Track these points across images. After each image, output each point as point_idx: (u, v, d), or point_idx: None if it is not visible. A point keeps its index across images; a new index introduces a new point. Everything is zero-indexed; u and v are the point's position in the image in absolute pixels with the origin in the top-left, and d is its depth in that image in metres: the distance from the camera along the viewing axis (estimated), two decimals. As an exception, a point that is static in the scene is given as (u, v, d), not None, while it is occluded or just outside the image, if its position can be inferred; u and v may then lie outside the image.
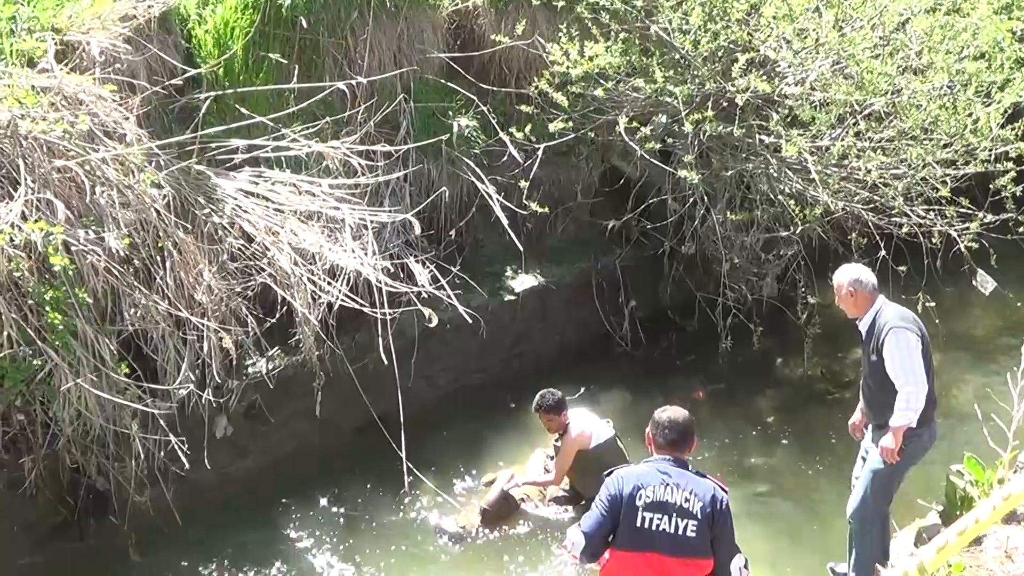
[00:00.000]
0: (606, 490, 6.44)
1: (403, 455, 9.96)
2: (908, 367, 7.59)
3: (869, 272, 8.04)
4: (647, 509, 6.25)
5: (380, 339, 10.33)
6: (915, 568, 5.13)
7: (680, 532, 6.21)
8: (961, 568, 7.09)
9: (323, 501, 10.54)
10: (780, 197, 12.19)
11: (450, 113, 11.98)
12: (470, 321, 10.90)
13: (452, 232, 11.93)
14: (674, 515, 6.22)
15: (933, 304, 12.17)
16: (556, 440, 10.24)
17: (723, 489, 6.45)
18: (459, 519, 10.17)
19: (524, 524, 10.15)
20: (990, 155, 12.02)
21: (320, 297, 10.25)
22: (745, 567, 6.45)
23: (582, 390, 12.01)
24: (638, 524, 6.24)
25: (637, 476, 6.38)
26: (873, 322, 7.84)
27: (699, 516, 6.23)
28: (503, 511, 10.20)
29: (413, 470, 10.09)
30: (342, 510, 10.47)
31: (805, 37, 12.09)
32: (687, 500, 6.25)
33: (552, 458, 10.48)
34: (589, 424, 10.07)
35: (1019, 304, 13.65)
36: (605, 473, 6.59)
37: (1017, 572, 7.03)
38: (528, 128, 11.59)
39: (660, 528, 6.22)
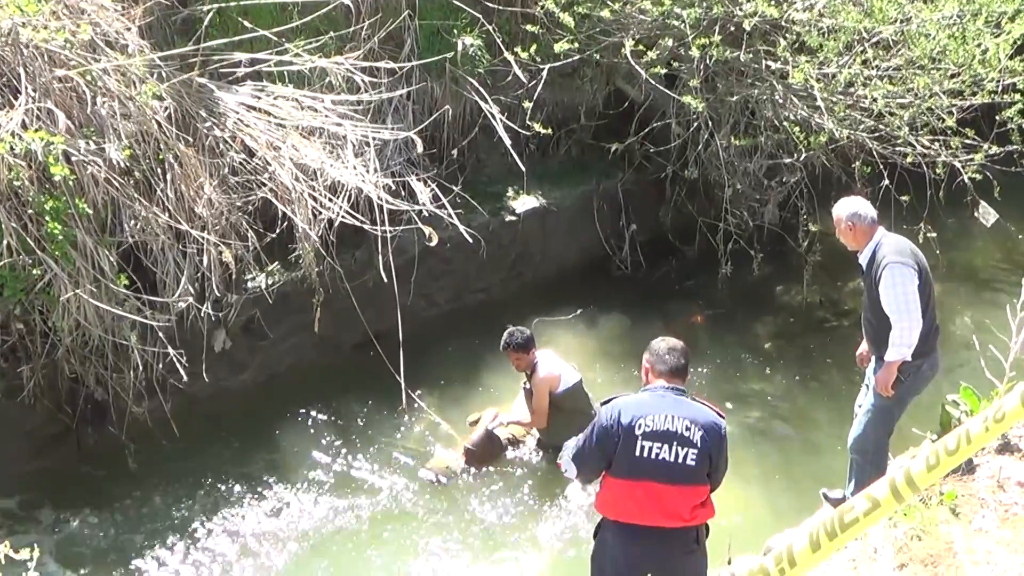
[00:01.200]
0: (599, 420, 6.37)
1: (401, 374, 10.01)
2: (902, 302, 7.56)
3: (868, 205, 7.97)
4: (646, 438, 6.19)
5: (380, 256, 10.33)
6: (903, 478, 5.12)
7: (680, 460, 6.17)
8: (953, 496, 7.15)
9: (320, 417, 10.59)
10: (785, 124, 12.12)
11: (455, 31, 11.85)
12: (470, 241, 10.89)
13: (454, 151, 11.87)
14: (675, 444, 6.18)
15: (934, 235, 12.16)
16: (524, 382, 10.08)
17: (720, 415, 6.45)
18: (443, 459, 10.05)
19: (509, 466, 10.05)
20: (997, 86, 11.93)
21: (321, 213, 10.22)
22: None
23: (578, 311, 12.03)
24: (636, 453, 6.19)
25: (635, 405, 6.32)
26: (873, 255, 7.79)
27: (699, 444, 6.19)
28: (488, 451, 10.04)
29: (411, 395, 10.15)
30: (339, 426, 10.53)
31: (815, -39, 11.97)
32: (687, 428, 6.20)
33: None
34: (557, 366, 9.86)
35: (1020, 236, 13.63)
36: (602, 402, 6.56)
37: (1009, 501, 7.08)
38: (533, 48, 11.47)
39: (660, 457, 6.17)
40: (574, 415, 9.44)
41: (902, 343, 7.57)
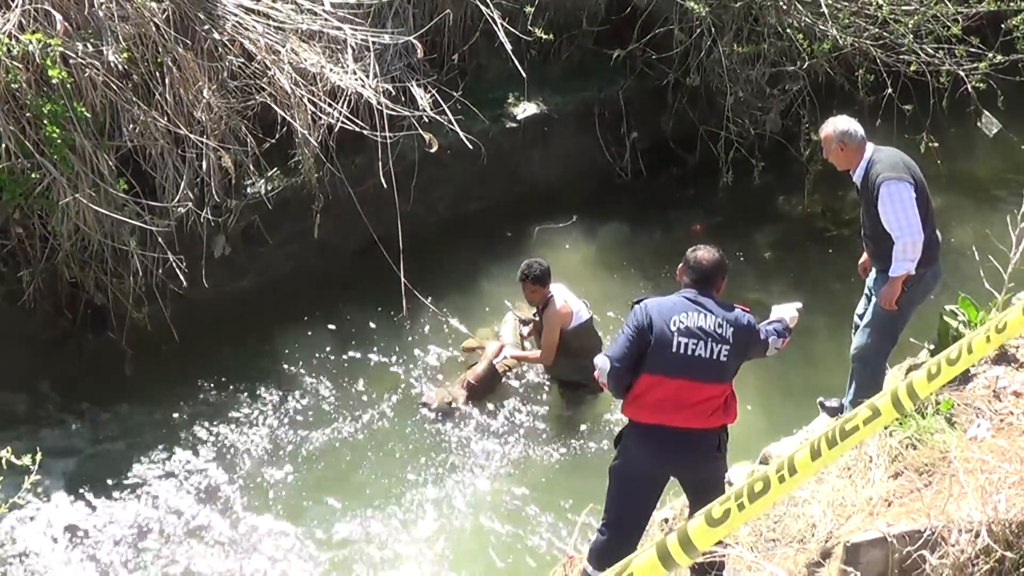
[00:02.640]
0: (633, 318, 6.46)
1: (401, 274, 10.02)
2: (903, 218, 7.53)
3: (855, 123, 7.88)
4: (682, 335, 6.31)
5: (380, 163, 10.29)
6: (904, 390, 5.19)
7: (715, 357, 6.31)
8: (949, 405, 7.17)
9: (319, 323, 10.62)
10: (788, 31, 12.02)
11: (456, -68, 11.70)
12: (471, 147, 10.84)
13: (455, 57, 11.75)
14: (709, 340, 6.30)
15: (936, 144, 12.12)
16: (535, 314, 10.00)
17: (745, 310, 6.56)
18: (444, 392, 9.90)
19: (511, 398, 9.97)
20: (1004, -7, 11.85)
21: (320, 119, 10.17)
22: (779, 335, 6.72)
23: (574, 218, 12.02)
24: (673, 349, 6.30)
25: (669, 304, 6.44)
26: (866, 173, 7.73)
27: (731, 341, 6.34)
28: (489, 386, 9.95)
29: (411, 289, 10.16)
30: (338, 332, 10.57)
31: None
32: (720, 326, 6.33)
33: (526, 324, 10.38)
34: (571, 301, 9.73)
35: (1023, 146, 13.56)
36: (634, 301, 6.62)
37: (1004, 411, 7.11)
38: (535, -49, 11.36)
39: (696, 353, 6.29)
40: (582, 353, 9.31)
41: (906, 258, 7.56)
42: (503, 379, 10.06)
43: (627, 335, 6.45)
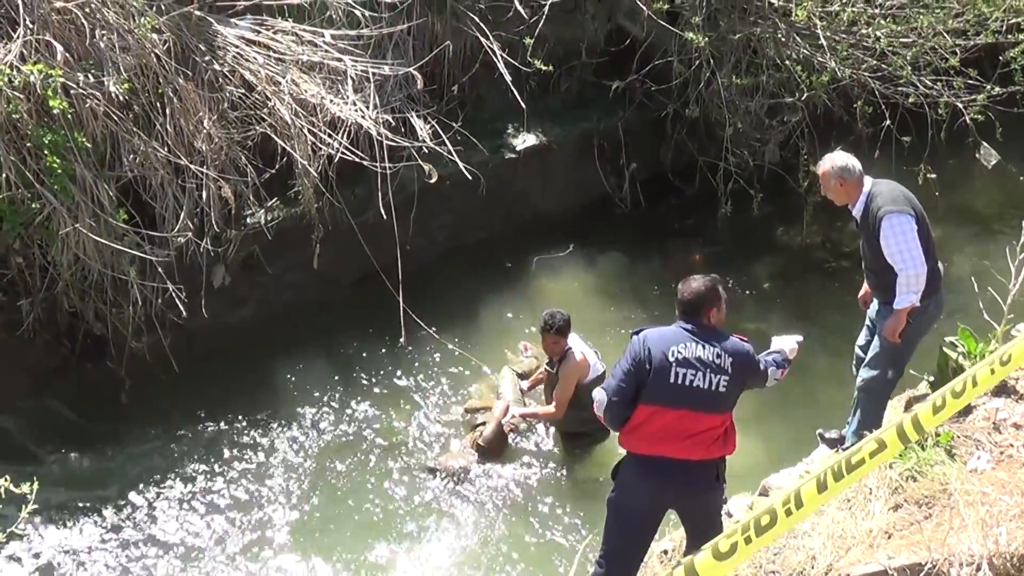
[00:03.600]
0: (631, 350, 6.47)
1: (400, 302, 10.01)
2: (905, 251, 7.52)
3: (852, 158, 7.86)
4: (680, 365, 6.32)
5: (380, 193, 10.30)
6: (909, 422, 5.20)
7: (714, 388, 6.32)
8: (949, 437, 7.17)
9: (319, 354, 10.60)
10: (787, 62, 12.07)
11: (456, -35, 11.76)
12: (470, 178, 10.86)
13: (454, 88, 11.79)
14: (708, 371, 6.32)
15: (935, 176, 12.15)
16: (549, 364, 9.66)
17: (744, 340, 6.57)
18: (454, 457, 9.58)
19: (522, 457, 9.69)
20: (1001, 26, 11.88)
21: (320, 149, 10.20)
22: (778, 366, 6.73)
23: (571, 248, 12.01)
24: (671, 380, 6.31)
25: (668, 335, 6.46)
26: (866, 207, 7.71)
27: (730, 371, 6.35)
28: (499, 447, 9.60)
29: (412, 317, 10.15)
30: (337, 363, 10.55)
31: None
32: (719, 356, 6.34)
33: (524, 378, 10.15)
34: (586, 352, 9.45)
35: (1022, 178, 13.57)
36: (632, 332, 6.64)
37: (1004, 443, 7.11)
38: (535, -16, 11.41)
39: (694, 384, 6.30)
40: (586, 406, 9.22)
41: (909, 290, 7.54)
42: (511, 438, 9.74)
43: (624, 368, 6.46)
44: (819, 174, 7.93)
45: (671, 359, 6.34)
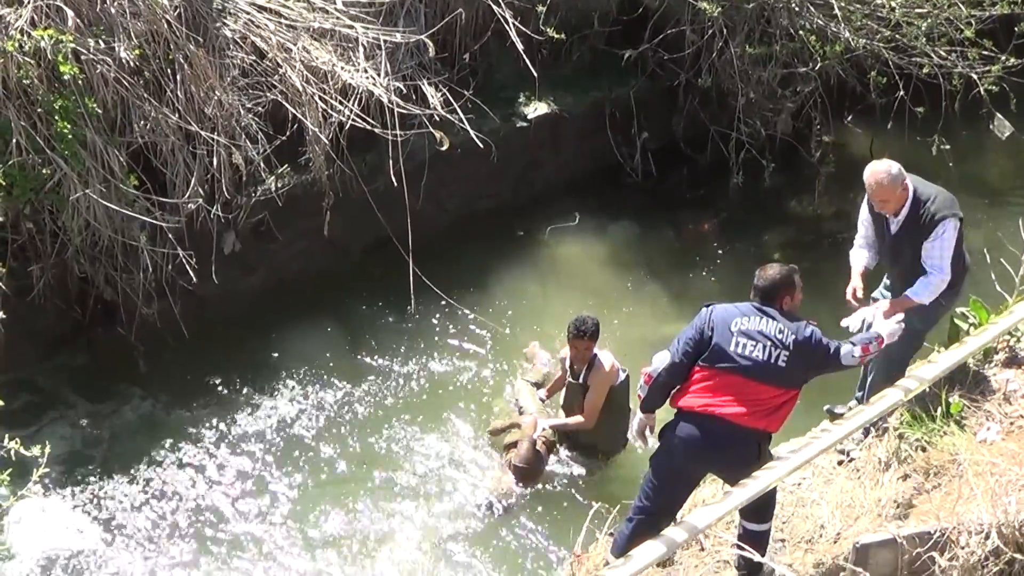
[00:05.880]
0: (698, 320, 6.70)
1: (410, 267, 10.01)
2: (947, 257, 7.39)
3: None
4: (741, 335, 6.53)
5: (391, 161, 10.29)
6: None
7: (771, 360, 6.47)
8: (959, 408, 7.17)
9: (329, 321, 10.62)
10: (800, 32, 12.00)
11: (468, -69, 11.68)
12: (481, 146, 10.84)
13: (466, 56, 11.74)
14: (768, 344, 6.49)
15: (948, 147, 12.10)
16: (571, 376, 9.20)
17: (811, 323, 6.69)
18: (491, 485, 9.18)
19: (557, 478, 9.30)
20: (1018, -4, 11.83)
21: (331, 116, 10.19)
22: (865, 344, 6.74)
23: (577, 217, 11.99)
24: (731, 348, 6.52)
25: (734, 309, 6.68)
26: (916, 209, 7.43)
27: (791, 347, 6.49)
28: (538, 466, 9.13)
29: (421, 276, 10.20)
30: (347, 330, 10.58)
31: None
32: (781, 331, 6.52)
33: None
34: (613, 357, 9.13)
35: (1035, 150, 13.52)
36: (704, 304, 6.84)
37: (1014, 414, 7.10)
38: (547, -49, 11.35)
39: (752, 354, 6.48)
40: (619, 412, 9.11)
41: (932, 292, 7.41)
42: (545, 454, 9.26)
43: (688, 335, 6.70)
44: (875, 186, 7.50)
45: (733, 329, 6.56)
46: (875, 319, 7.13)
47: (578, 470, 9.32)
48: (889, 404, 6.89)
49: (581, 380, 9.12)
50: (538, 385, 9.85)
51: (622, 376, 9.13)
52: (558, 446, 9.33)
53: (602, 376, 9.01)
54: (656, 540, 6.19)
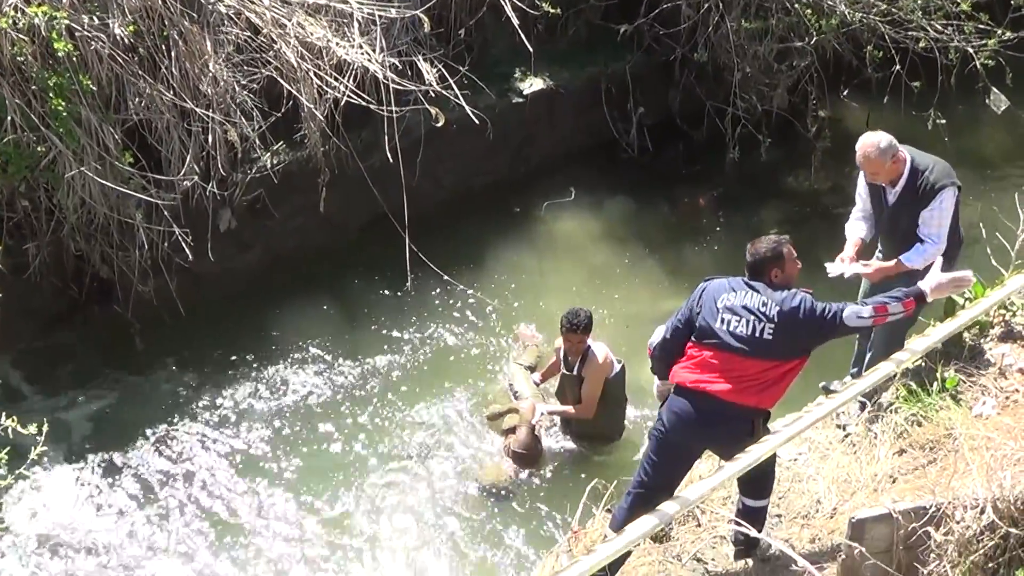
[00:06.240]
0: (691, 295, 6.74)
1: (406, 242, 10.00)
2: (944, 227, 7.41)
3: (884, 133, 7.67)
4: (726, 311, 6.52)
5: (386, 137, 10.27)
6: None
7: (756, 335, 6.44)
8: (954, 383, 7.18)
9: (325, 298, 10.64)
10: (796, 6, 11.97)
11: (463, -96, 11.63)
12: (477, 122, 10.82)
13: (461, 31, 11.70)
14: (751, 319, 6.47)
15: (944, 121, 12.08)
16: (565, 367, 9.24)
17: (806, 292, 6.62)
18: (493, 469, 9.20)
19: (555, 461, 9.35)
20: (1014, -30, 11.80)
21: (326, 93, 10.15)
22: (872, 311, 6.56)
23: (572, 193, 11.98)
24: (716, 324, 6.52)
25: (724, 285, 6.67)
26: (913, 179, 7.47)
27: (775, 319, 6.44)
28: (537, 450, 9.22)
29: (417, 252, 10.17)
30: (343, 307, 10.60)
31: None
32: (764, 304, 6.48)
33: (533, 371, 9.81)
34: (607, 349, 9.16)
35: (1031, 124, 13.51)
36: (705, 279, 6.82)
37: (1010, 388, 7.12)
38: (543, -76, 11.30)
39: (736, 330, 6.47)
40: (615, 403, 9.18)
41: (925, 260, 7.41)
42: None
43: (681, 311, 6.73)
44: (862, 158, 7.59)
45: (719, 305, 6.54)
46: (931, 271, 6.81)
47: (576, 452, 9.38)
48: (881, 375, 6.89)
49: (575, 372, 9.15)
50: (531, 368, 9.89)
51: (616, 368, 9.17)
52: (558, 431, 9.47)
53: (596, 368, 9.06)
54: (650, 514, 6.22)
